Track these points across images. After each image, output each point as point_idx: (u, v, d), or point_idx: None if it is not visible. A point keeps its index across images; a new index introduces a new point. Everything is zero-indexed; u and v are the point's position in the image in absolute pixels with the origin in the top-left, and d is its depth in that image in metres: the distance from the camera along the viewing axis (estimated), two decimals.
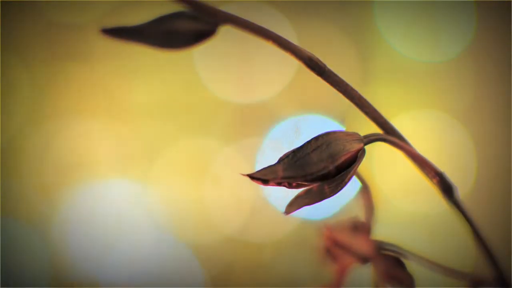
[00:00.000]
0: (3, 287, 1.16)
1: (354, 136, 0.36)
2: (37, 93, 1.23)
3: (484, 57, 1.22)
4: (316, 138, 0.35)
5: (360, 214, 0.42)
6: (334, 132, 0.35)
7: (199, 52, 1.21)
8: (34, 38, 1.22)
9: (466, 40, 1.22)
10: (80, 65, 1.23)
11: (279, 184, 0.34)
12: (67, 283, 1.21)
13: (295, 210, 0.34)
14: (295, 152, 0.35)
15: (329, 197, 0.34)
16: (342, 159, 0.35)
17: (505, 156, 1.22)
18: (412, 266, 0.41)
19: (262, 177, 0.34)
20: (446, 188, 0.39)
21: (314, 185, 0.35)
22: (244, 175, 0.34)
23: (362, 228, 0.42)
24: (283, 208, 0.35)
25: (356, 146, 0.35)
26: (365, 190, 0.41)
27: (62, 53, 1.23)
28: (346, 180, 0.35)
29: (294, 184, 0.35)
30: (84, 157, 1.23)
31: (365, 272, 0.43)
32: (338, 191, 0.34)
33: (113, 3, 1.19)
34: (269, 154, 1.20)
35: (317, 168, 0.34)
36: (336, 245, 0.42)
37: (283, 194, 0.36)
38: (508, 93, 1.21)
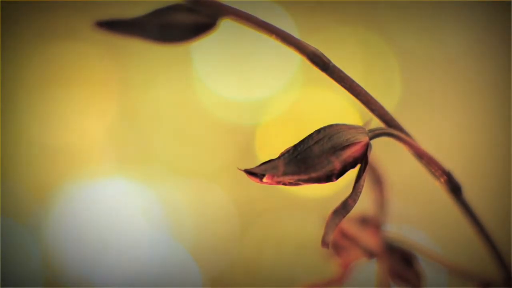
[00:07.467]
0: (3, 287, 1.16)
1: (358, 129, 0.34)
2: (35, 93, 1.22)
3: (485, 56, 1.22)
4: (318, 131, 0.34)
5: (370, 207, 0.41)
6: (337, 125, 0.34)
7: (198, 50, 1.21)
8: (33, 38, 1.22)
9: (467, 38, 1.21)
10: (79, 65, 1.22)
11: (278, 182, 0.33)
12: (62, 284, 1.20)
13: (331, 237, 0.33)
14: (296, 146, 0.33)
15: (353, 207, 0.33)
16: (346, 152, 0.33)
17: (505, 156, 1.22)
18: (419, 264, 0.40)
19: (262, 172, 0.32)
20: (453, 187, 0.38)
21: (338, 204, 0.33)
22: (241, 170, 0.33)
23: (371, 222, 0.41)
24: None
25: (361, 138, 0.34)
26: (379, 184, 0.41)
27: (61, 53, 1.22)
28: (362, 182, 0.33)
29: (294, 181, 0.33)
30: (80, 157, 1.23)
31: (370, 270, 0.42)
32: (359, 197, 0.33)
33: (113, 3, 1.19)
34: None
35: (320, 162, 0.33)
36: (343, 237, 0.41)
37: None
38: (508, 92, 1.21)
